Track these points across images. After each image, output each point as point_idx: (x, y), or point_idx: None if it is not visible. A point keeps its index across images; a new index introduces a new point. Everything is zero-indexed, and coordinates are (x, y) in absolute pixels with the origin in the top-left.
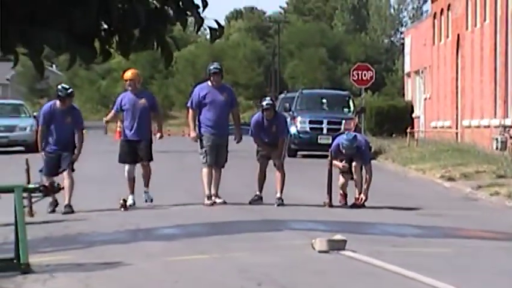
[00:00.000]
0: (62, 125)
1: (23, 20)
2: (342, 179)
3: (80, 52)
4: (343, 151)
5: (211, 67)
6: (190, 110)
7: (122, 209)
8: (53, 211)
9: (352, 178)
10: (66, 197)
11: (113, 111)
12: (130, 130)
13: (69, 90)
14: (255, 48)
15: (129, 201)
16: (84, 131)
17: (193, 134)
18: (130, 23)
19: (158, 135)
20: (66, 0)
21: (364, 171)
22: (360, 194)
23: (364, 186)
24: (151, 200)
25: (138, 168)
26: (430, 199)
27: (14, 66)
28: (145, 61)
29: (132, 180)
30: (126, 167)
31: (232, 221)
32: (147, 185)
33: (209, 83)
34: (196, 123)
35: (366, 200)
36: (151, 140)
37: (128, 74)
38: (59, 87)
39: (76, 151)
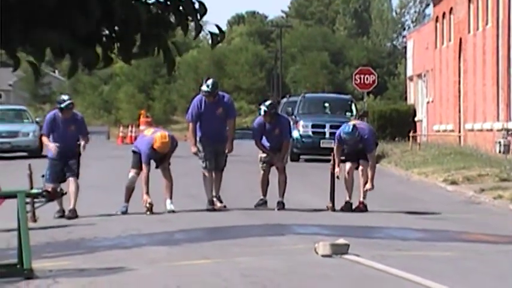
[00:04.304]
0: (65, 133)
1: (24, 21)
2: (347, 176)
3: (84, 55)
4: (347, 142)
5: (203, 88)
6: (190, 124)
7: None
8: (61, 216)
9: (357, 168)
10: (72, 202)
11: (131, 172)
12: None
13: (66, 104)
14: (257, 52)
15: (122, 209)
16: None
17: (193, 149)
18: (131, 29)
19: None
20: (67, 2)
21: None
22: (363, 198)
23: (369, 175)
24: (173, 211)
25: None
26: (433, 203)
27: (14, 70)
28: (147, 66)
29: (130, 190)
30: (130, 174)
31: (235, 226)
32: (170, 196)
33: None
34: (197, 133)
35: (371, 189)
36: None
37: (160, 147)
38: (59, 98)
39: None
